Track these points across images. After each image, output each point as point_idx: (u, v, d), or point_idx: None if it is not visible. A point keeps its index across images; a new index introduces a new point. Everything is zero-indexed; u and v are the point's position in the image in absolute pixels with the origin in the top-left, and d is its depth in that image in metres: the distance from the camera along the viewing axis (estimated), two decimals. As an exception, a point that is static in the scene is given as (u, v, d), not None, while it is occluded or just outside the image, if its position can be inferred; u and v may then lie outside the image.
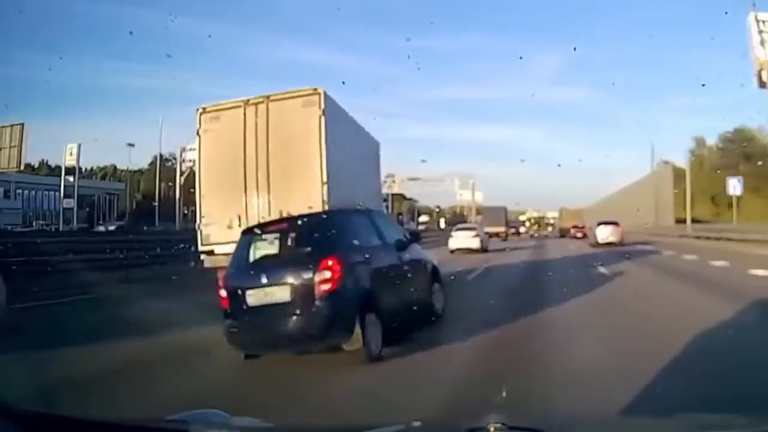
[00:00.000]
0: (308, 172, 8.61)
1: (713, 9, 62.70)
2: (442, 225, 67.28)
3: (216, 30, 75.23)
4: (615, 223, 31.29)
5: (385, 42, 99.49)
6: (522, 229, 63.39)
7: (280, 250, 6.62)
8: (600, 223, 31.89)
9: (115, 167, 76.51)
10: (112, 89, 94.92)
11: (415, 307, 7.62)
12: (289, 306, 6.03)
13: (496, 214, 54.12)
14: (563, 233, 51.15)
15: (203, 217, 9.30)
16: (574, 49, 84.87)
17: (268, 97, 9.18)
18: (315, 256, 6.25)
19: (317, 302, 5.99)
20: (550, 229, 66.15)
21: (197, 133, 9.45)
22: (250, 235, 6.96)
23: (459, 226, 33.26)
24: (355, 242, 6.93)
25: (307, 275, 6.07)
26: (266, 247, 6.72)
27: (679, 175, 49.10)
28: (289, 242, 6.68)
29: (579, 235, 41.29)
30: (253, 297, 6.15)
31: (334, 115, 9.18)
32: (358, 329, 6.06)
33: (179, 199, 41.34)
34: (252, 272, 6.40)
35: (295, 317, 6.02)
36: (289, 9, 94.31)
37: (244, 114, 9.17)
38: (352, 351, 6.06)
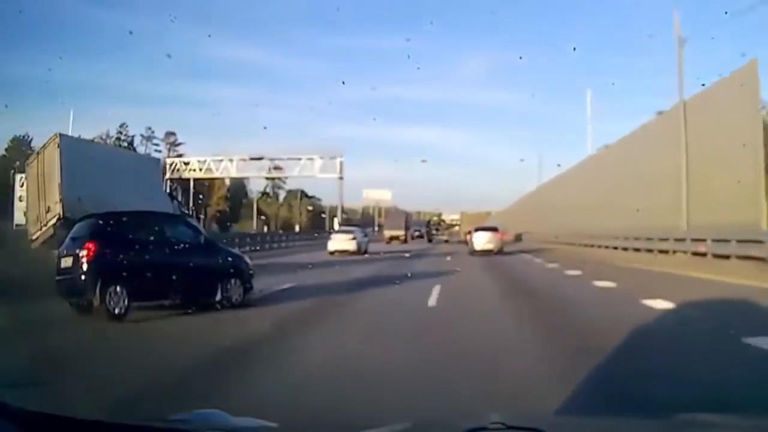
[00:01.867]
0: (56, 190, 13.46)
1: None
2: (336, 226, 62.88)
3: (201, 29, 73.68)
4: (494, 229, 29.15)
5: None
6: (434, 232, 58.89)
7: (75, 234, 9.50)
8: (477, 229, 29.15)
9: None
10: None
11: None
12: (70, 270, 8.88)
13: (397, 217, 52.94)
14: (455, 240, 47.00)
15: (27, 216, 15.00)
16: (574, 49, 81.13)
17: (53, 139, 14.03)
18: (83, 239, 9.01)
19: (78, 270, 8.70)
20: (456, 230, 56.85)
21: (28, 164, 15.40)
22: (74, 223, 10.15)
23: (338, 228, 33.98)
24: (114, 233, 9.37)
25: (77, 251, 8.83)
26: (75, 230, 9.60)
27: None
28: (81, 230, 9.49)
29: None
30: (62, 261, 9.16)
31: (75, 150, 14.42)
32: (99, 293, 8.44)
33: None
34: (64, 245, 9.46)
35: (72, 278, 8.79)
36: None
37: (45, 149, 14.28)
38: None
